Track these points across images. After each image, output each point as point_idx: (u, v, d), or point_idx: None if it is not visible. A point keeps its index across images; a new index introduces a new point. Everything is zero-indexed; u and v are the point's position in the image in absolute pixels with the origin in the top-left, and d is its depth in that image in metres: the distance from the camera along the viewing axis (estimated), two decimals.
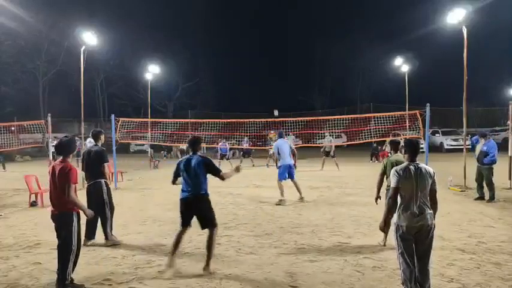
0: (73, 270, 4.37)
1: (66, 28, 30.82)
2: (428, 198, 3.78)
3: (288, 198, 9.58)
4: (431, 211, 3.78)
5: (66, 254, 4.27)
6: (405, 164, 3.85)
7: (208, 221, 4.96)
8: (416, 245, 3.76)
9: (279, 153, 9.52)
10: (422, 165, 3.82)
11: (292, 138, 17.62)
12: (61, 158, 4.41)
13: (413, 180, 3.72)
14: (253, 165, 19.33)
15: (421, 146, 19.67)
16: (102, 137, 6.47)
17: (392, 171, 3.82)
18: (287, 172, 9.49)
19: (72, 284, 4.32)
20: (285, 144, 9.61)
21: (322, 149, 17.76)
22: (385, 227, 3.96)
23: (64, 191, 4.25)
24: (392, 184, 3.79)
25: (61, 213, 4.32)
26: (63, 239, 4.32)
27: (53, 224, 4.39)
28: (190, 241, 6.11)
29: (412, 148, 3.91)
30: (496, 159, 9.15)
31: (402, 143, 5.28)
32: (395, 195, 3.77)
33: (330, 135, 17.77)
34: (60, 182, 4.27)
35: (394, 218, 3.81)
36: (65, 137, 4.68)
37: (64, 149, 4.42)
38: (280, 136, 9.88)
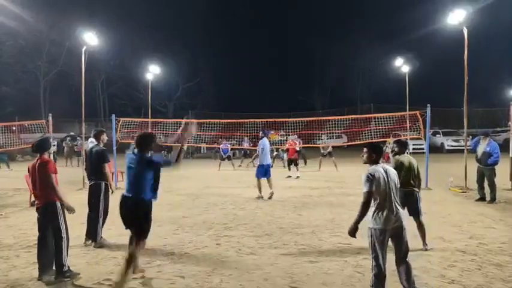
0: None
1: (67, 28, 30.80)
2: (398, 198, 3.85)
3: (290, 199, 9.59)
4: (402, 211, 3.86)
5: (59, 242, 4.57)
6: (374, 166, 3.87)
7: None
8: (395, 246, 3.83)
9: (262, 152, 9.98)
10: (386, 166, 3.91)
11: (295, 138, 17.62)
12: (38, 156, 4.81)
13: (385, 182, 3.77)
14: (254, 166, 19.33)
15: (422, 146, 19.54)
16: (104, 136, 6.38)
17: (365, 175, 3.81)
18: (265, 171, 10.01)
19: (70, 270, 4.62)
20: (268, 144, 10.21)
21: (322, 151, 17.80)
22: (355, 232, 3.80)
23: (45, 182, 4.63)
24: (367, 188, 3.75)
25: (45, 204, 4.63)
26: (53, 228, 4.62)
27: (36, 219, 4.76)
28: (191, 241, 6.11)
29: (378, 151, 4.00)
30: (499, 159, 9.14)
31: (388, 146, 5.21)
32: (369, 199, 3.76)
33: (326, 136, 17.86)
34: (41, 174, 4.65)
35: (370, 223, 3.80)
36: (40, 137, 5.06)
37: (38, 147, 4.85)
38: (265, 135, 10.42)
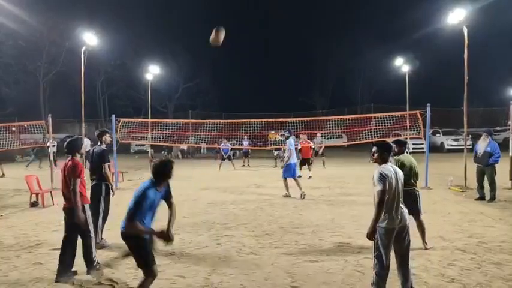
0: (66, 266, 4.67)
1: (67, 29, 30.81)
2: (402, 198, 3.85)
3: (290, 198, 9.60)
4: (406, 210, 3.87)
5: (87, 240, 4.76)
6: (384, 165, 3.85)
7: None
8: (396, 246, 3.83)
9: (289, 150, 10.09)
10: (393, 165, 3.92)
11: (293, 138, 17.67)
12: (70, 156, 4.85)
13: (396, 182, 3.76)
14: (244, 165, 19.44)
15: (422, 146, 19.46)
16: (106, 137, 6.36)
17: (378, 174, 3.75)
18: (293, 170, 10.11)
19: (98, 263, 4.88)
20: (293, 143, 10.42)
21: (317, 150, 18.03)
22: (374, 235, 3.74)
23: (69, 185, 4.67)
24: (381, 187, 3.66)
25: (70, 207, 4.67)
26: (81, 230, 4.71)
27: (63, 218, 4.83)
28: (191, 241, 6.12)
29: (388, 149, 3.95)
30: (500, 159, 9.15)
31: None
32: (384, 198, 3.67)
33: (321, 136, 18.03)
34: (66, 177, 4.72)
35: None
36: (70, 136, 5.04)
37: (69, 148, 4.91)
38: (291, 134, 10.48)
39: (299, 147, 14.38)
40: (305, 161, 14.49)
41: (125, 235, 3.63)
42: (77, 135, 5.90)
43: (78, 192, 4.63)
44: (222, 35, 6.30)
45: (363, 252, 5.40)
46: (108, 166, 6.15)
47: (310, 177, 13.78)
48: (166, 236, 3.69)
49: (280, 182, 12.77)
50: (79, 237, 4.81)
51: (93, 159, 6.15)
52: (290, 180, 10.13)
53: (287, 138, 10.36)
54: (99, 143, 6.30)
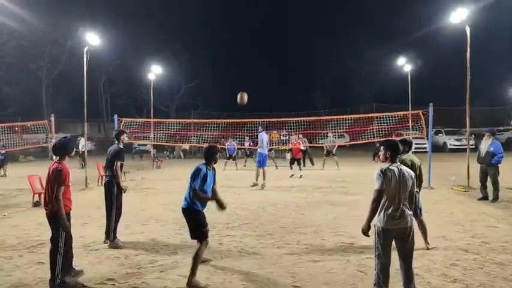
0: (64, 271, 4.34)
1: (69, 29, 30.88)
2: (407, 200, 3.80)
3: (292, 198, 9.58)
4: (411, 212, 3.80)
5: (53, 254, 4.30)
6: (387, 165, 3.82)
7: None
8: (398, 247, 3.80)
9: (262, 143, 11.74)
10: (403, 166, 3.84)
11: (300, 137, 17.71)
12: (57, 158, 4.45)
13: (397, 182, 3.71)
14: (245, 165, 19.42)
15: (424, 145, 19.50)
16: (124, 136, 6.46)
17: (377, 173, 3.75)
18: (263, 160, 11.81)
19: (64, 283, 4.30)
20: (266, 137, 12.10)
21: (325, 150, 18.13)
22: (368, 231, 3.80)
23: (53, 190, 4.27)
24: (377, 186, 3.71)
25: (51, 212, 4.34)
26: (52, 238, 4.36)
27: (39, 219, 4.47)
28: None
29: (394, 149, 3.88)
30: (503, 159, 9.12)
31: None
32: (380, 197, 3.71)
33: (332, 135, 18.04)
34: (50, 182, 4.33)
35: (375, 220, 3.81)
36: (64, 137, 4.75)
37: (59, 150, 4.47)
38: (263, 129, 12.24)
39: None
40: (295, 160, 14.86)
41: (185, 210, 4.63)
42: (70, 135, 5.70)
43: (61, 200, 4.23)
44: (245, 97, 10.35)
45: (366, 252, 5.38)
46: (121, 165, 6.13)
47: (301, 176, 13.98)
48: (221, 203, 4.81)
49: (280, 182, 12.85)
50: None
51: (108, 156, 6.20)
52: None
53: (260, 132, 12.06)
54: (116, 142, 6.34)
